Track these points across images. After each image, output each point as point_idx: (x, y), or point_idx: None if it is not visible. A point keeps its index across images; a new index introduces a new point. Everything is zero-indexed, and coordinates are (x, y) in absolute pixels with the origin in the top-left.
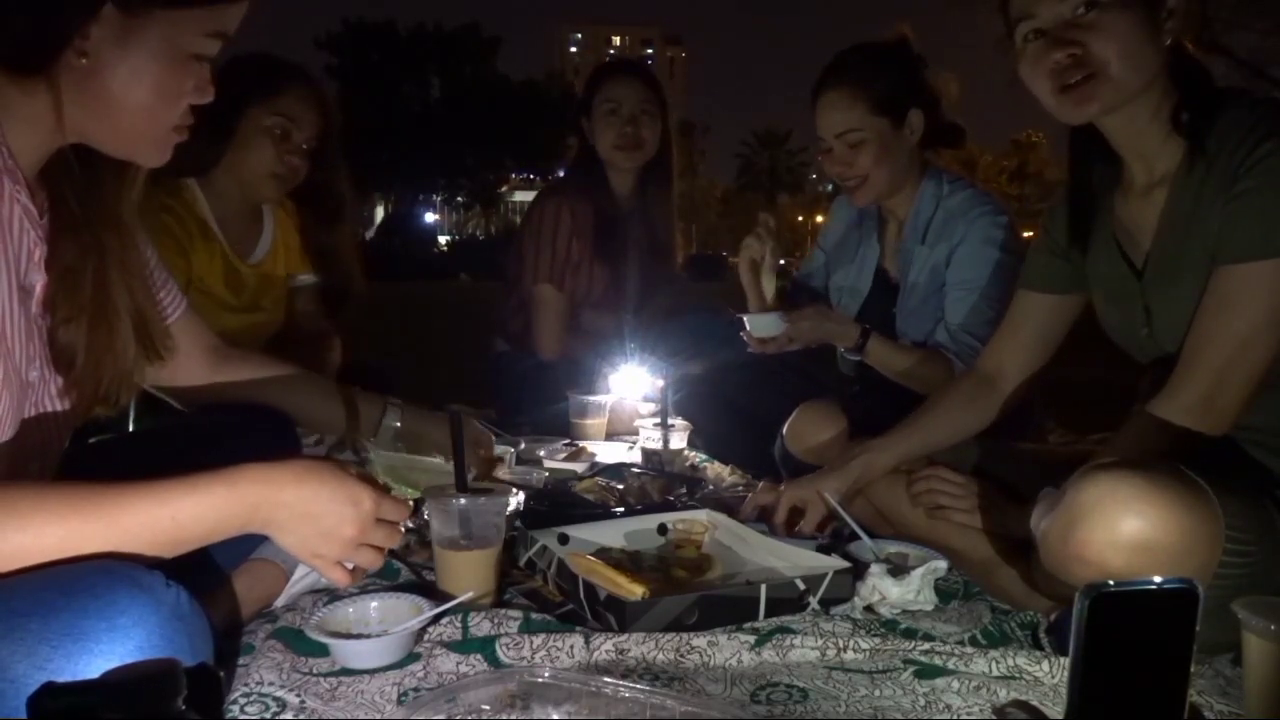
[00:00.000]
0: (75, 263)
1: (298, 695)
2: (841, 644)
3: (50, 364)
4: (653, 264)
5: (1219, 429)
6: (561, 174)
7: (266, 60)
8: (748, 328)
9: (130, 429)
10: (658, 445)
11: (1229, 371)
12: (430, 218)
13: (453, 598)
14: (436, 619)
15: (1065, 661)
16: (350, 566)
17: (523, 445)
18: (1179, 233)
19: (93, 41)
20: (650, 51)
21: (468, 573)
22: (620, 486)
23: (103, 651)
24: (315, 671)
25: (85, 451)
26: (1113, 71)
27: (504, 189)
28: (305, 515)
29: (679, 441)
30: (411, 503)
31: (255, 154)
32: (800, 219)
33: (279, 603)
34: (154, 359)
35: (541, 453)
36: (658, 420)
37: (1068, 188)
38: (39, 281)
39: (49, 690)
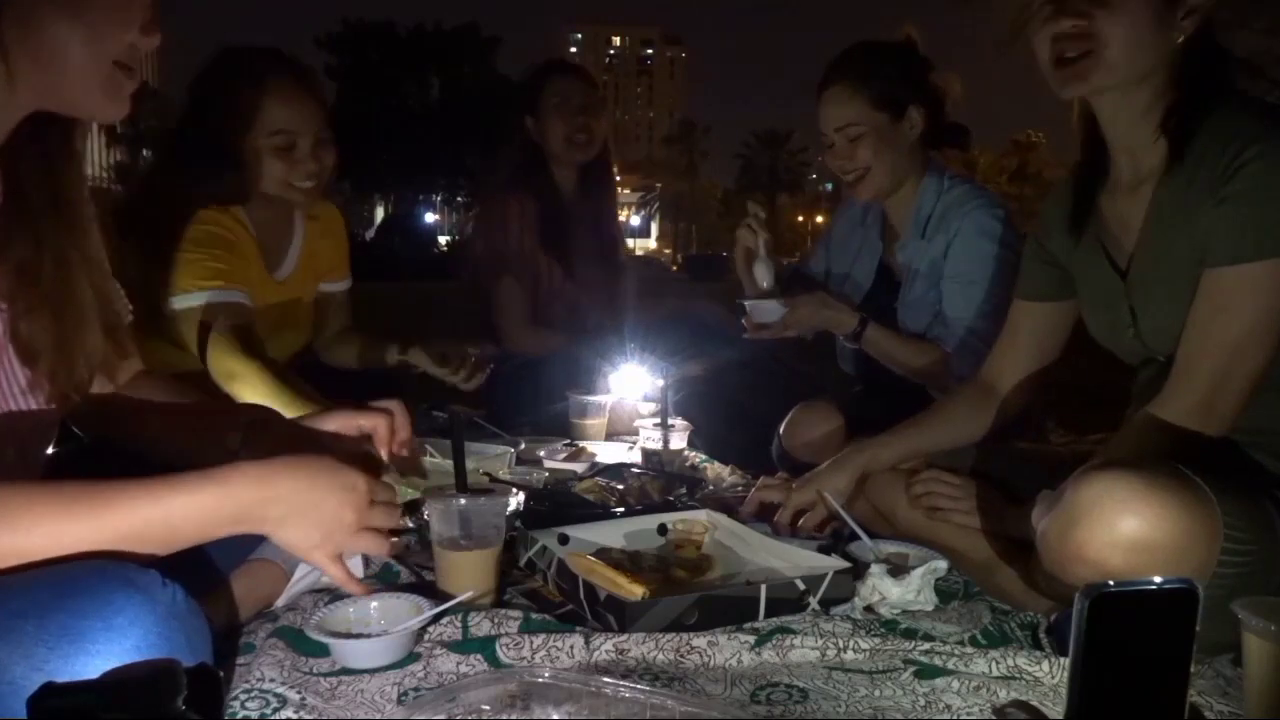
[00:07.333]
0: (32, 252)
1: (298, 693)
2: (841, 644)
3: (11, 357)
4: (601, 257)
5: (1220, 431)
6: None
7: (238, 74)
8: (749, 313)
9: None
10: (658, 445)
11: (1227, 376)
12: (430, 218)
13: (453, 598)
14: (436, 619)
15: (1065, 661)
16: (360, 576)
17: (523, 445)
18: (1164, 233)
19: None
20: (650, 51)
21: (468, 573)
22: (620, 486)
23: (99, 652)
24: (316, 671)
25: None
26: (1110, 53)
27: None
28: (301, 507)
29: (679, 441)
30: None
31: (269, 175)
32: (800, 219)
33: (279, 603)
34: (121, 357)
35: (541, 453)
36: (658, 420)
37: (1076, 173)
38: None
39: (49, 690)
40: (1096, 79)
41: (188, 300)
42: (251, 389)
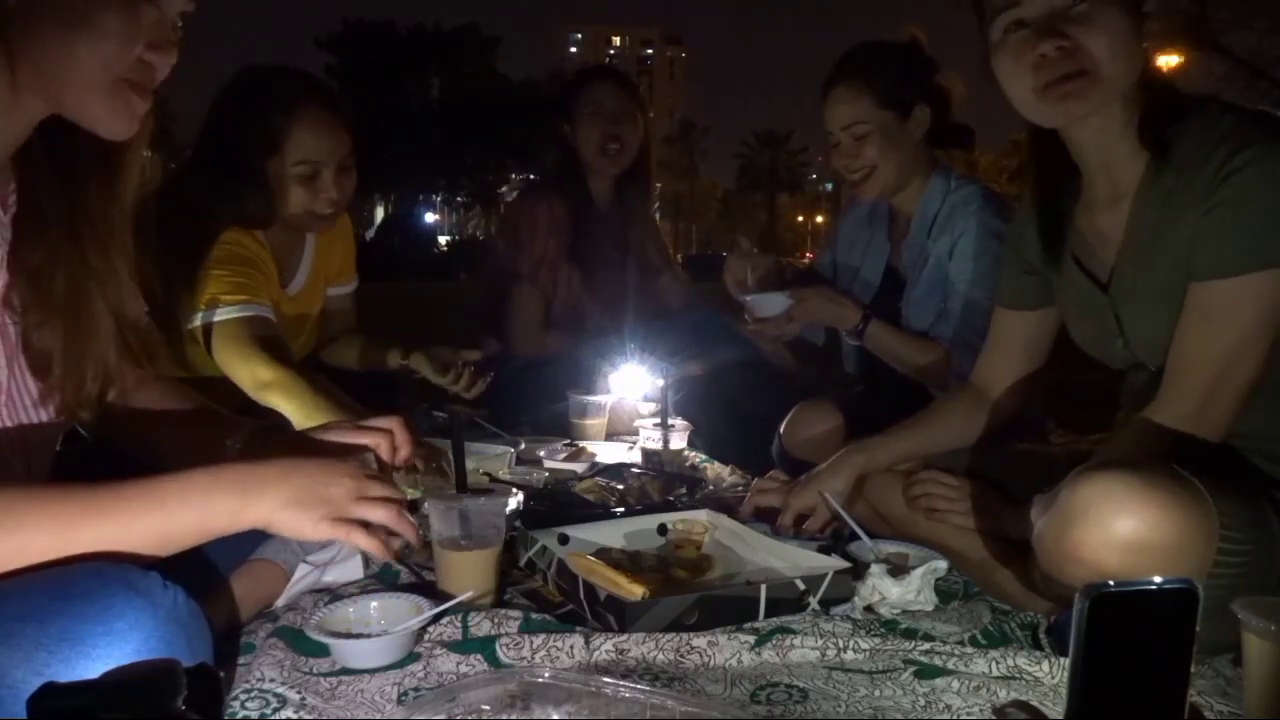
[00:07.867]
0: (43, 263)
1: (298, 693)
2: (841, 644)
3: (23, 368)
4: (633, 266)
5: (1214, 437)
6: (537, 177)
7: (267, 98)
8: (750, 307)
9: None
10: (658, 445)
11: (1218, 387)
12: (430, 218)
13: (453, 598)
14: (436, 619)
15: (1065, 661)
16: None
17: (523, 445)
18: (1147, 244)
19: None
20: (650, 52)
21: (468, 573)
22: (620, 486)
23: (100, 656)
24: (316, 671)
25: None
26: (1104, 69)
27: (504, 189)
28: (295, 480)
29: (679, 441)
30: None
31: (292, 202)
32: (800, 219)
33: (279, 603)
34: (137, 365)
35: (541, 453)
36: (658, 420)
37: (1036, 204)
38: (0, 280)
39: (49, 690)
40: (1096, 96)
41: (214, 315)
42: (287, 397)
